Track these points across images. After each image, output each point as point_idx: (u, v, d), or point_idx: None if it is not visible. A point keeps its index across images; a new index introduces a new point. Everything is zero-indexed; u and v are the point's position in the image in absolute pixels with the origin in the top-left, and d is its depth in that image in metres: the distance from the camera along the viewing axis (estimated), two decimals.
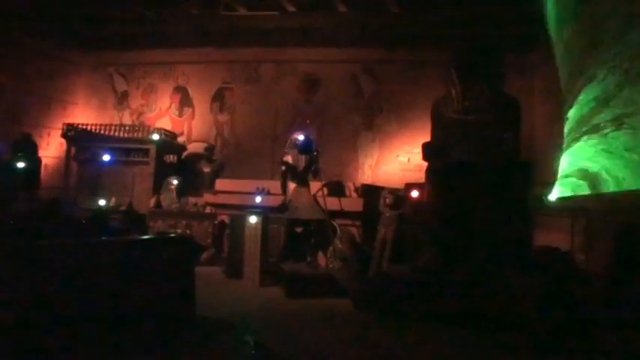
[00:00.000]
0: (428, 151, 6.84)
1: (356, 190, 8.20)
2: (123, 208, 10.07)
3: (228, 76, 13.45)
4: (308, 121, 8.37)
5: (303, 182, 7.83)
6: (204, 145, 11.52)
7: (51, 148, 12.91)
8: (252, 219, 7.59)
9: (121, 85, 13.87)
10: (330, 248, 7.70)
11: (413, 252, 6.79)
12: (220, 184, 9.80)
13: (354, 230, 7.91)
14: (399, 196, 7.35)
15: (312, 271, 7.39)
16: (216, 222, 9.58)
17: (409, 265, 6.52)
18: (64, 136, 11.26)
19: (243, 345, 4.72)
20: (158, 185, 10.33)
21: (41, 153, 11.92)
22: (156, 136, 10.62)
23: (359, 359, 4.69)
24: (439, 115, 7.11)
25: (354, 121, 12.69)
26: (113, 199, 10.16)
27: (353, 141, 12.58)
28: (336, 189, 8.18)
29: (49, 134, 12.95)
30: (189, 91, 13.56)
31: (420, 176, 11.68)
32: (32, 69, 12.63)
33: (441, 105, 7.16)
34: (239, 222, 8.11)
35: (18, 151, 10.07)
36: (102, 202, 10.11)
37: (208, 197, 9.82)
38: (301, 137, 7.86)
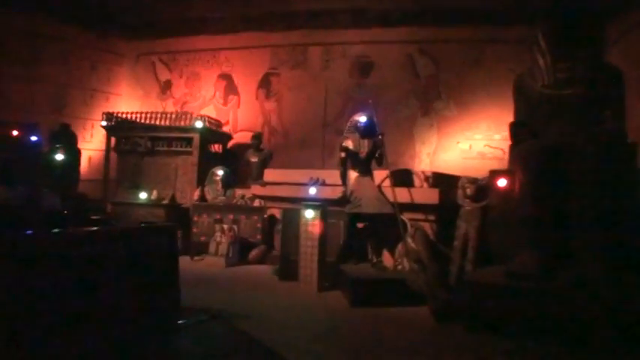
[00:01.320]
0: (518, 132, 5.52)
1: (426, 179, 6.88)
2: (165, 201, 9.01)
3: (274, 61, 12.41)
4: (370, 101, 7.08)
5: (365, 171, 6.60)
6: (252, 133, 10.38)
7: (94, 141, 12.30)
8: (309, 213, 6.40)
9: (163, 74, 13.09)
10: (399, 247, 6.44)
11: (501, 253, 5.46)
12: (270, 174, 8.64)
13: (426, 226, 6.59)
14: (482, 185, 6.00)
15: (379, 274, 6.15)
16: (265, 216, 8.41)
17: (498, 268, 5.20)
18: (104, 126, 10.29)
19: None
20: (202, 177, 9.24)
21: (84, 145, 11.40)
22: (199, 124, 9.51)
23: None
24: (525, 91, 5.78)
25: (410, 106, 11.37)
26: (155, 192, 9.12)
27: (409, 128, 11.33)
28: (403, 178, 6.87)
29: (92, 126, 12.32)
30: (234, 78, 12.62)
31: (483, 165, 10.61)
32: (74, 60, 12.15)
33: (526, 79, 5.83)
34: (292, 216, 6.94)
35: (56, 143, 9.13)
36: (143, 195, 9.07)
37: (256, 189, 8.68)
38: (363, 119, 6.62)
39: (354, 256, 6.62)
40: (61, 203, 6.67)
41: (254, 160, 9.75)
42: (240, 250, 8.12)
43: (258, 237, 8.32)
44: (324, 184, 7.74)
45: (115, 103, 12.66)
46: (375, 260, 6.42)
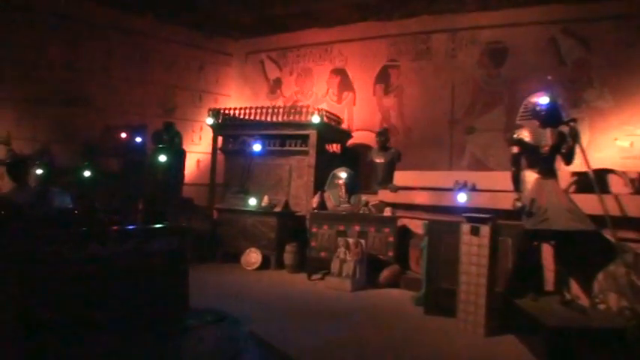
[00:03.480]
0: None
1: (632, 181, 4.75)
2: (278, 208, 7.40)
3: (393, 52, 10.55)
4: (550, 77, 5.04)
5: (548, 171, 4.59)
6: (378, 129, 8.54)
7: (203, 143, 11.13)
8: (476, 229, 4.46)
9: (273, 72, 11.75)
10: (599, 278, 4.34)
11: None
12: (401, 177, 6.83)
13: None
14: None
15: (583, 320, 4.07)
16: (397, 228, 6.57)
17: None
18: (210, 124, 8.88)
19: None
20: (320, 180, 7.54)
21: (192, 148, 10.47)
22: (317, 119, 7.81)
23: None
24: None
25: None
26: (265, 198, 7.54)
27: None
28: (599, 181, 4.75)
29: (200, 128, 11.21)
30: (349, 73, 10.91)
31: None
32: (183, 61, 11.21)
33: None
34: (441, 230, 5.06)
35: (159, 142, 7.83)
36: (252, 201, 7.53)
37: (384, 195, 6.88)
38: (544, 100, 4.62)
39: (529, 287, 4.60)
40: (70, 202, 6.17)
41: (379, 160, 7.93)
42: (368, 270, 6.32)
43: (390, 254, 6.48)
44: (474, 189, 5.78)
45: (224, 104, 11.48)
46: (567, 297, 4.35)
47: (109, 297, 3.72)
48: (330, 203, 6.88)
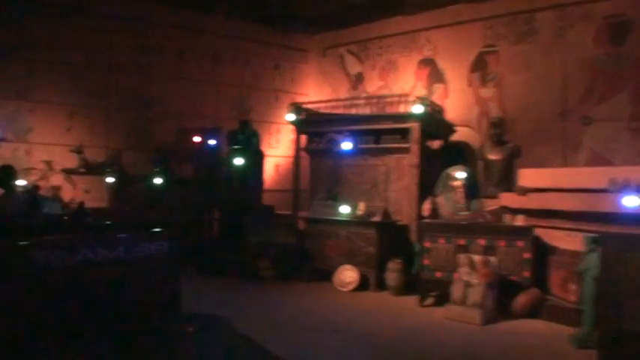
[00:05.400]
0: None
1: None
2: (377, 218, 5.92)
3: (489, 36, 8.84)
4: None
5: None
6: (493, 118, 6.88)
7: (281, 146, 10.02)
8: None
9: (354, 67, 10.37)
10: None
11: None
12: (528, 176, 5.17)
13: None
14: None
15: None
16: (532, 240, 4.92)
17: None
18: (292, 121, 7.52)
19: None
20: (425, 183, 6.00)
21: (270, 151, 9.51)
22: (420, 109, 6.25)
23: None
24: None
25: None
26: (362, 205, 6.06)
27: None
28: None
29: (277, 130, 10.08)
30: (438, 63, 9.33)
31: None
32: (257, 60, 10.19)
33: None
34: (621, 248, 3.42)
35: (235, 143, 6.60)
36: (345, 209, 6.10)
37: (508, 198, 5.25)
38: None
39: None
40: (60, 209, 5.84)
41: (494, 157, 6.32)
42: (499, 295, 4.74)
43: (525, 274, 4.86)
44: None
45: None
46: None
47: (100, 302, 3.68)
48: (444, 210, 5.31)
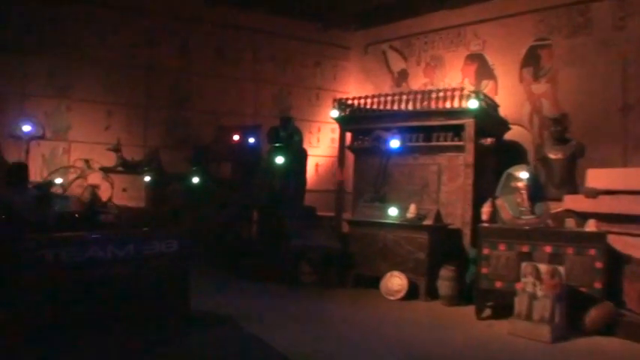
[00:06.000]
0: None
1: None
2: (429, 221, 5.42)
3: (542, 29, 8.24)
4: None
5: None
6: (554, 115, 6.31)
7: (322, 146, 9.73)
8: None
9: (397, 64, 9.92)
10: None
11: None
12: (597, 177, 4.61)
13: None
14: None
15: None
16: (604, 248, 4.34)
17: None
18: (335, 118, 7.08)
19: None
20: (480, 184, 5.48)
21: (311, 151, 9.30)
22: (475, 104, 5.72)
23: None
24: None
25: None
26: (413, 207, 5.56)
27: None
28: None
29: (318, 129, 9.80)
30: (487, 58, 8.79)
31: None
32: (296, 57, 9.92)
33: None
34: None
35: (276, 141, 6.24)
36: (393, 212, 5.63)
37: (574, 201, 4.69)
38: None
39: None
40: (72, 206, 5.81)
41: (556, 156, 5.77)
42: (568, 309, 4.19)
43: (597, 285, 4.28)
44: None
45: None
46: None
47: (109, 298, 3.70)
48: (505, 214, 4.77)
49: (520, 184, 4.70)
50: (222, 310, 4.70)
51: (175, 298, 4.15)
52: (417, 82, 9.48)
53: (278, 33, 9.60)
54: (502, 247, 4.61)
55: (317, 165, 9.28)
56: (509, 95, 8.41)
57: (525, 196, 4.66)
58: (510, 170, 4.96)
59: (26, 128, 7.41)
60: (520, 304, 4.22)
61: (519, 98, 8.32)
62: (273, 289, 5.78)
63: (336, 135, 9.82)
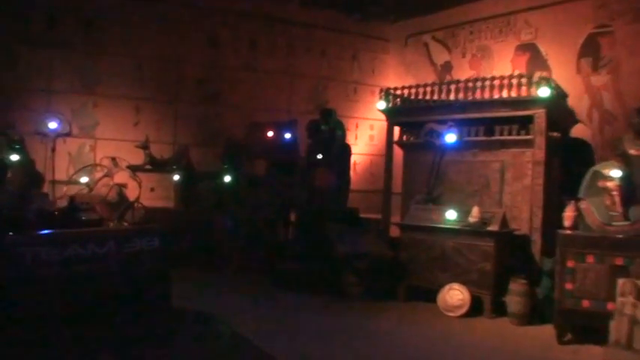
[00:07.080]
0: None
1: None
2: (494, 227, 4.67)
3: (602, 15, 7.39)
4: None
5: None
6: (636, 108, 5.49)
7: (360, 143, 9.14)
8: None
9: (440, 56, 9.24)
10: None
11: None
12: None
13: None
14: None
15: None
16: None
17: None
18: (382, 109, 6.36)
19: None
20: (555, 185, 4.71)
21: None
22: (546, 92, 4.93)
23: None
24: None
25: None
26: (476, 210, 4.80)
27: None
28: None
29: (356, 126, 9.21)
30: (541, 47, 7.98)
31: None
32: (334, 50, 9.33)
33: None
34: None
35: (316, 136, 5.61)
36: (451, 215, 4.90)
37: None
38: None
39: None
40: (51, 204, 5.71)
41: (636, 152, 4.86)
42: None
43: None
44: None
45: None
46: None
47: (91, 296, 3.69)
48: (592, 219, 3.98)
49: (610, 184, 3.90)
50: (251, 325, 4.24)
51: (157, 295, 4.08)
52: (463, 74, 8.68)
53: (313, 25, 9.04)
54: (590, 259, 3.82)
55: (355, 163, 8.56)
56: (566, 88, 7.60)
57: (617, 199, 3.88)
58: (597, 167, 4.16)
59: (52, 125, 6.97)
60: (618, 329, 3.45)
61: (577, 91, 7.49)
62: (313, 302, 5.11)
63: (375, 132, 9.24)
